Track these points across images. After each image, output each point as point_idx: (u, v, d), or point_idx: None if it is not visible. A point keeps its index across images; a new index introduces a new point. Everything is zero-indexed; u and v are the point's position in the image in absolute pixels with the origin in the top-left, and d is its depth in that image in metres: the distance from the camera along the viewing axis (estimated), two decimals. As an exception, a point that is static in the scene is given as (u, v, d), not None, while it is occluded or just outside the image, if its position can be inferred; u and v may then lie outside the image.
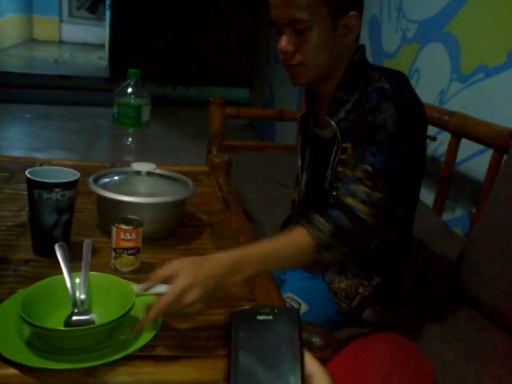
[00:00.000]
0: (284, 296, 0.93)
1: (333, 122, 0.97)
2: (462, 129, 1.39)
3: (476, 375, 0.90)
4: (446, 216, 1.61)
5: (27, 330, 0.65)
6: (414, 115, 0.93)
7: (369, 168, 0.87)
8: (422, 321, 1.06)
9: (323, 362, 0.59)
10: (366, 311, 1.03)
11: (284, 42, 0.94)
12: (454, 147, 1.44)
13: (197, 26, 5.65)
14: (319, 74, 0.97)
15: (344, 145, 0.96)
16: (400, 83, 0.93)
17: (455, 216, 1.61)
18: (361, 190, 0.86)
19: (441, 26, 1.76)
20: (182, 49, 5.70)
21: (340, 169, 0.95)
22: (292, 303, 0.97)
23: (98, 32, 9.51)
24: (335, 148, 0.97)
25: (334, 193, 0.97)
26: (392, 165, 0.88)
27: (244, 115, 2.41)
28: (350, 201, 0.86)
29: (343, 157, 0.96)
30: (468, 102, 1.58)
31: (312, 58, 0.95)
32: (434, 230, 1.39)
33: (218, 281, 0.71)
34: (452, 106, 1.63)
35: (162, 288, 0.72)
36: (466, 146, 1.45)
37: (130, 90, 1.26)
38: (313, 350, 0.62)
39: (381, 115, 0.89)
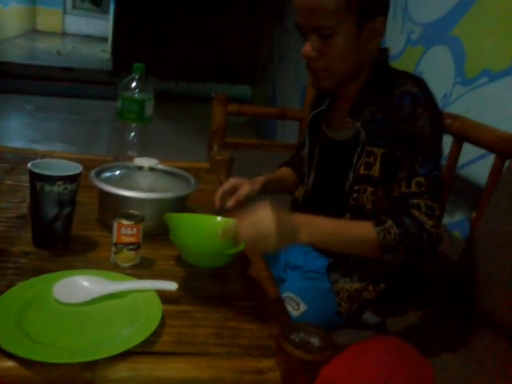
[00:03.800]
0: (283, 295, 0.93)
1: (357, 124, 0.96)
2: (464, 133, 1.39)
3: (474, 379, 0.90)
4: (446, 219, 1.61)
5: (26, 323, 0.66)
6: (441, 119, 0.97)
7: (421, 179, 0.90)
8: (420, 324, 1.06)
9: (321, 363, 0.60)
10: (365, 313, 1.02)
11: (308, 48, 0.94)
12: (455, 151, 1.43)
13: (200, 22, 5.63)
14: (343, 79, 0.98)
15: (370, 148, 0.95)
16: (427, 87, 0.96)
17: (455, 220, 1.61)
18: (423, 203, 0.89)
19: (446, 28, 1.76)
20: (185, 44, 5.68)
21: (396, 189, 0.92)
22: (291, 303, 0.97)
23: (101, 25, 9.48)
24: (359, 150, 0.97)
25: (355, 195, 0.98)
26: (438, 171, 0.92)
27: (247, 113, 2.40)
28: (416, 213, 0.88)
29: (367, 160, 0.96)
30: (471, 106, 1.58)
31: (336, 64, 0.95)
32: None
33: (284, 241, 0.81)
34: (455, 109, 1.63)
35: (164, 285, 0.77)
36: (468, 150, 1.45)
37: (134, 84, 1.26)
38: (311, 351, 0.62)
39: (418, 123, 0.91)
